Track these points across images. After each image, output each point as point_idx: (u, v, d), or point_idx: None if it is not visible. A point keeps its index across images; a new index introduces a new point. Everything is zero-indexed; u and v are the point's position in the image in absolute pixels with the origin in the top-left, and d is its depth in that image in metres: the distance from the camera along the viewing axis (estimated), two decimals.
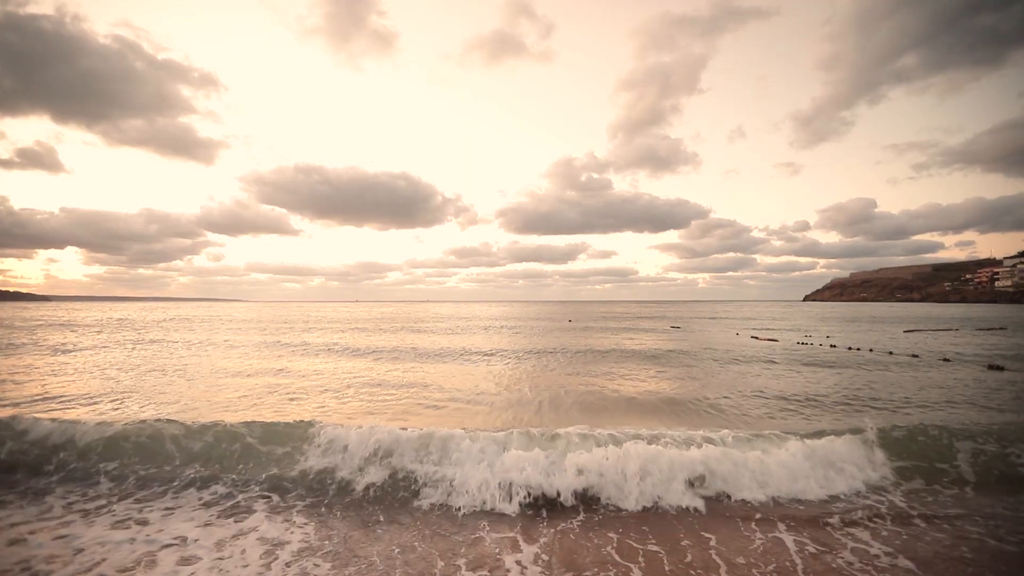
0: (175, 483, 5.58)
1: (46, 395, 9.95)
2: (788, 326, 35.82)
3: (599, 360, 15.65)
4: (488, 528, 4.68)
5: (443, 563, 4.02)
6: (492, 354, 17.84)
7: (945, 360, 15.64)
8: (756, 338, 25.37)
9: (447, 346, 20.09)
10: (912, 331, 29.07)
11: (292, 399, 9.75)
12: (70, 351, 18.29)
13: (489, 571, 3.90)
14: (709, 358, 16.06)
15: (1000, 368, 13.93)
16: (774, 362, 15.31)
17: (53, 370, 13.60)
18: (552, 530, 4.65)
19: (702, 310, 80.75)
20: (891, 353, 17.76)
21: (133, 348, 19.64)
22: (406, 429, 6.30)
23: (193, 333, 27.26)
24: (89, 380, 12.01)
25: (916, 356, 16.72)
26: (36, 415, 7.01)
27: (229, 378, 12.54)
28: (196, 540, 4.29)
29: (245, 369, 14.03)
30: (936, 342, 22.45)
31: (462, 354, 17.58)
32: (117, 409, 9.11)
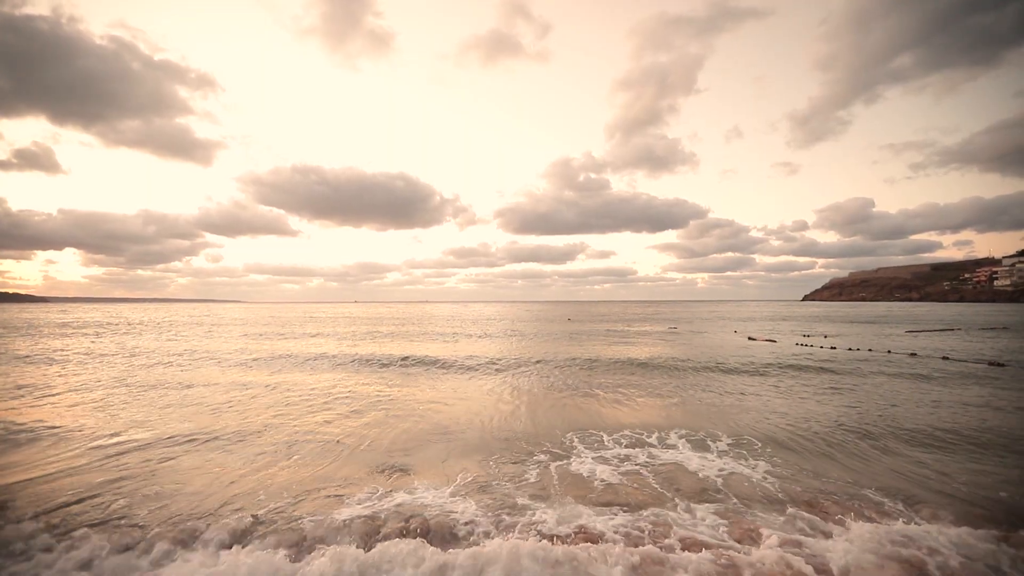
0: None
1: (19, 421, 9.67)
2: (788, 328, 35.61)
3: (599, 372, 14.43)
4: None
5: None
6: (486, 365, 17.47)
7: (945, 358, 15.45)
8: (753, 339, 25.20)
9: (441, 355, 18.95)
10: (914, 332, 28.87)
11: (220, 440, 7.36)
12: (55, 361, 18.04)
13: None
14: (714, 368, 14.69)
15: (1001, 364, 13.80)
16: (786, 372, 14.58)
17: (37, 383, 13.38)
18: None
19: (701, 311, 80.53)
20: (889, 352, 17.57)
21: (119, 356, 19.38)
22: None
23: (182, 341, 26.95)
24: (55, 398, 11.77)
25: (914, 354, 16.53)
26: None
27: (185, 393, 12.24)
28: None
29: (211, 381, 13.66)
30: (938, 343, 22.27)
31: (456, 365, 16.26)
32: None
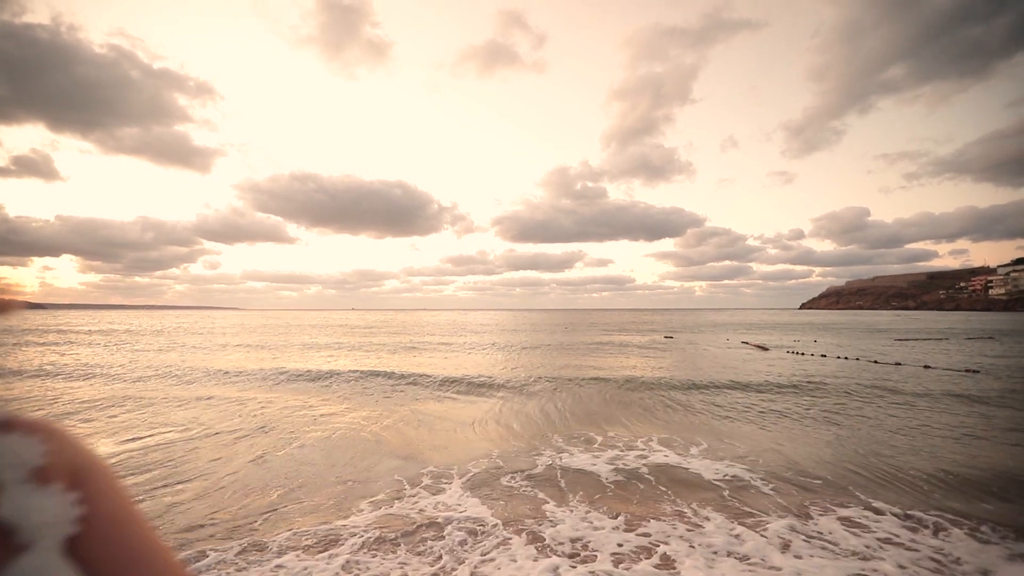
0: None
1: None
2: (782, 336, 36.28)
3: (603, 388, 14.29)
4: None
5: None
6: (475, 379, 17.86)
7: (926, 367, 16.17)
8: (746, 343, 26.01)
9: (430, 370, 18.16)
10: (902, 340, 29.62)
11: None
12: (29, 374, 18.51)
13: None
14: (705, 380, 14.99)
15: (976, 371, 14.60)
16: (771, 381, 15.22)
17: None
18: None
19: (698, 319, 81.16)
20: (876, 361, 18.26)
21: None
22: None
23: (164, 353, 27.41)
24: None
25: (899, 364, 17.25)
26: None
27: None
28: None
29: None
30: (923, 351, 22.96)
31: (444, 381, 15.51)
32: None
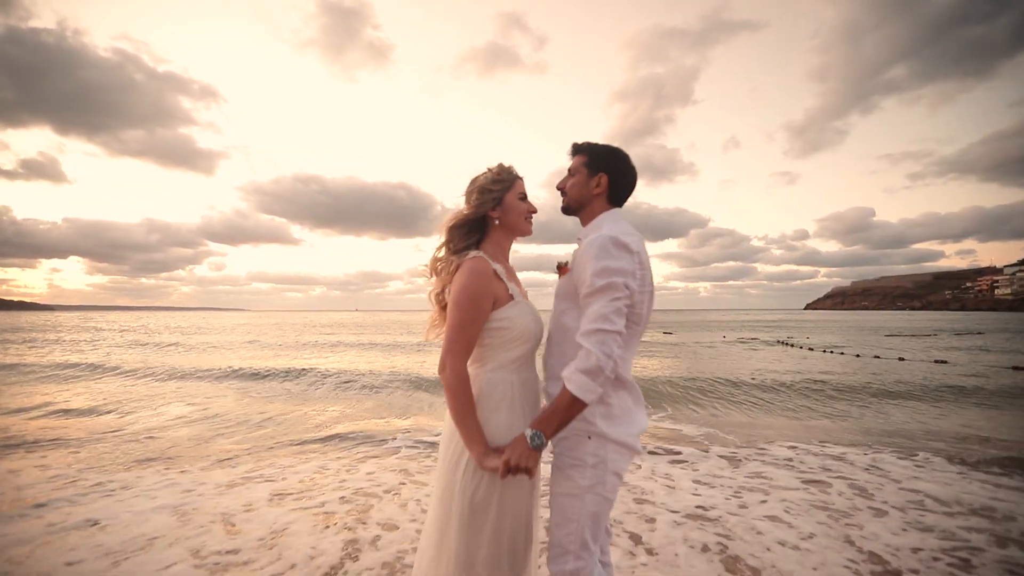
0: None
1: None
2: (778, 333, 37.46)
3: None
4: None
5: None
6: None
7: (900, 359, 17.40)
8: (743, 341, 27.40)
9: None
10: (892, 336, 30.80)
11: None
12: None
13: None
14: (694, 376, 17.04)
15: (944, 361, 15.83)
16: (758, 378, 16.62)
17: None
18: None
19: (700, 319, 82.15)
20: (858, 355, 19.49)
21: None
22: None
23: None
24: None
25: (877, 356, 18.49)
26: None
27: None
28: None
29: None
30: (906, 346, 24.15)
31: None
32: None
